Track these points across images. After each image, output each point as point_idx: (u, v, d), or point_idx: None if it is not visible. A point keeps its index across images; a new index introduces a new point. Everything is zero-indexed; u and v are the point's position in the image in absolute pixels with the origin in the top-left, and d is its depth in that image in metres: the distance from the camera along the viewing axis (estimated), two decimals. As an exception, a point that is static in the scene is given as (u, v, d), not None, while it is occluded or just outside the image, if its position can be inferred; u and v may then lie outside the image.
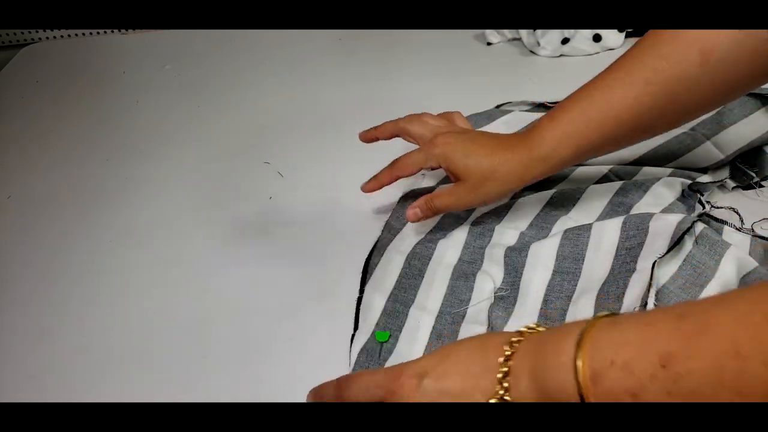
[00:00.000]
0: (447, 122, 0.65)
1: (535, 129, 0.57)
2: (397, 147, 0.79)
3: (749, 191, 0.64)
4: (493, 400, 0.37)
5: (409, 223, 0.64)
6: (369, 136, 0.67)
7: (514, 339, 0.38)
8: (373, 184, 0.64)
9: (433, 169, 0.61)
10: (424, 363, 0.41)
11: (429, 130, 0.63)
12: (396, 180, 0.63)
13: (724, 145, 0.64)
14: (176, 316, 0.60)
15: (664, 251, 0.50)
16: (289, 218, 0.70)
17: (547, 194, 0.64)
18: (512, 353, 0.38)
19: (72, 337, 0.59)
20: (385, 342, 0.54)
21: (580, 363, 0.33)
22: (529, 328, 0.39)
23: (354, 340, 0.54)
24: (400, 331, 0.55)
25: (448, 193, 0.59)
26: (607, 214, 0.61)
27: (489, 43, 1.01)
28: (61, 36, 1.23)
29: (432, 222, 0.64)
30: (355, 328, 0.55)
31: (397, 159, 0.62)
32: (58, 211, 0.76)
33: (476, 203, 0.59)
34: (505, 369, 0.37)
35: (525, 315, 0.54)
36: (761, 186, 0.64)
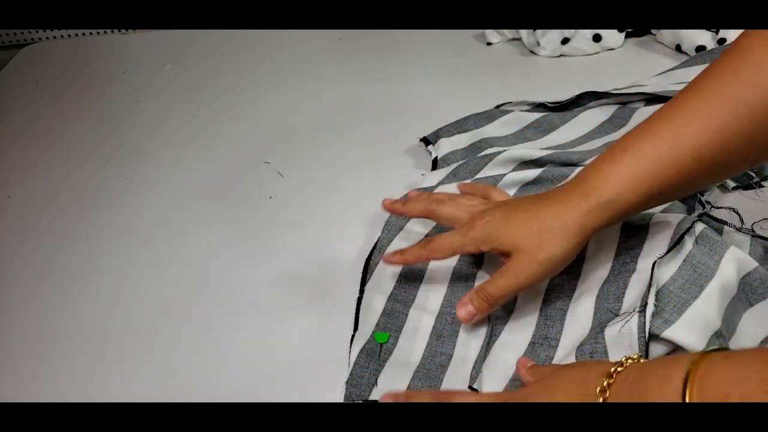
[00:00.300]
0: (483, 200, 0.58)
1: (590, 173, 0.49)
2: (398, 148, 0.79)
3: (749, 191, 0.64)
4: None
5: (409, 222, 0.64)
6: (394, 209, 0.60)
7: (613, 369, 0.38)
8: (398, 259, 0.56)
9: (472, 254, 0.55)
10: (527, 392, 0.41)
11: (464, 210, 0.55)
12: (423, 261, 0.57)
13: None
14: (176, 316, 0.60)
15: (665, 251, 0.50)
16: (289, 218, 0.70)
17: (547, 194, 0.64)
18: (611, 383, 0.37)
19: (72, 337, 0.59)
20: (385, 342, 0.54)
21: (689, 392, 0.32)
22: (630, 359, 0.39)
23: (354, 341, 0.54)
24: (400, 332, 0.55)
25: (502, 275, 0.50)
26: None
27: (489, 43, 1.01)
28: (61, 36, 1.23)
29: (432, 222, 0.64)
30: (355, 328, 0.55)
31: (431, 239, 0.54)
32: (58, 211, 0.76)
33: (539, 275, 0.50)
34: (601, 399, 0.37)
35: (525, 315, 0.54)
36: (761, 186, 0.64)
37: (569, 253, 0.49)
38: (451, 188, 0.66)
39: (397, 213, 0.60)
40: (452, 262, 0.60)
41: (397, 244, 0.62)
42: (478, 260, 0.60)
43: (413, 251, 0.55)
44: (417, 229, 0.64)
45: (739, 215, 0.60)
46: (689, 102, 0.46)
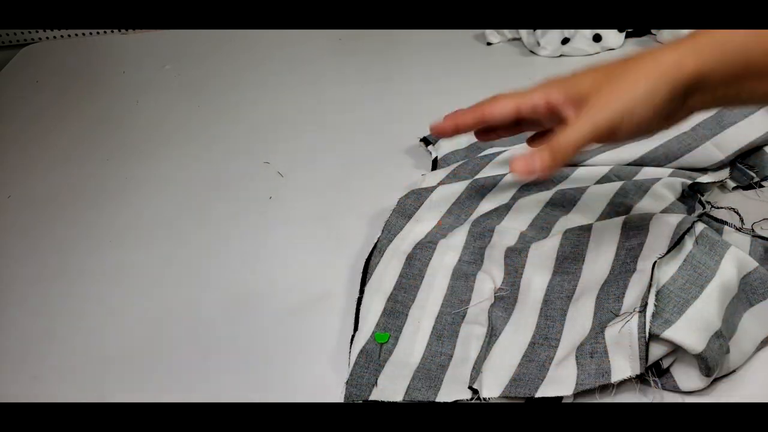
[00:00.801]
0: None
1: (681, 39, 0.42)
2: (398, 148, 0.79)
3: (749, 191, 0.64)
4: None
5: (409, 222, 0.64)
6: (444, 129, 0.50)
7: None
8: (448, 123, 0.49)
9: (549, 107, 0.45)
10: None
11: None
12: (480, 124, 0.49)
13: (724, 145, 0.64)
14: (176, 316, 0.60)
15: (665, 251, 0.50)
16: (289, 218, 0.70)
17: (547, 195, 0.64)
18: None
19: (72, 337, 0.59)
20: (385, 342, 0.54)
21: None
22: None
23: (354, 341, 0.54)
24: (400, 332, 0.55)
25: (575, 123, 0.42)
26: (607, 215, 0.61)
27: (489, 43, 1.01)
28: (61, 36, 1.23)
29: (432, 222, 0.64)
30: (355, 328, 0.55)
31: (484, 100, 0.48)
32: (58, 211, 0.76)
33: (619, 119, 0.41)
34: None
35: (525, 315, 0.54)
36: (761, 186, 0.64)
37: (654, 93, 0.40)
38: (452, 188, 0.66)
39: (448, 132, 0.50)
40: (452, 261, 0.60)
41: (397, 244, 0.62)
42: (478, 260, 0.60)
43: (464, 112, 0.48)
44: (418, 229, 0.64)
45: (739, 215, 0.60)
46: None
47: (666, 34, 0.94)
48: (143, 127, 0.92)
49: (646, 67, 0.41)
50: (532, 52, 0.97)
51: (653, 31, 0.97)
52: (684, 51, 0.41)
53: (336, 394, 0.51)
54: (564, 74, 0.45)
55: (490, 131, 0.52)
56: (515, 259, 0.58)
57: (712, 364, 0.45)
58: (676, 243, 0.51)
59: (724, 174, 0.65)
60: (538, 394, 0.47)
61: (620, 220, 0.56)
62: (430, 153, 0.76)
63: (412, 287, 0.58)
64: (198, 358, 0.56)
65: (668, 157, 0.66)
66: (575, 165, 0.68)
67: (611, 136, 0.42)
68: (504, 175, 0.67)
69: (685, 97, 0.42)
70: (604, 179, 0.66)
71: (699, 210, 0.60)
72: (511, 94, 0.46)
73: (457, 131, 0.49)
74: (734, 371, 0.48)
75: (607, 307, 0.50)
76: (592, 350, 0.47)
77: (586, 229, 0.57)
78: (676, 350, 0.47)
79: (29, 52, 1.17)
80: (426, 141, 0.77)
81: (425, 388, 0.50)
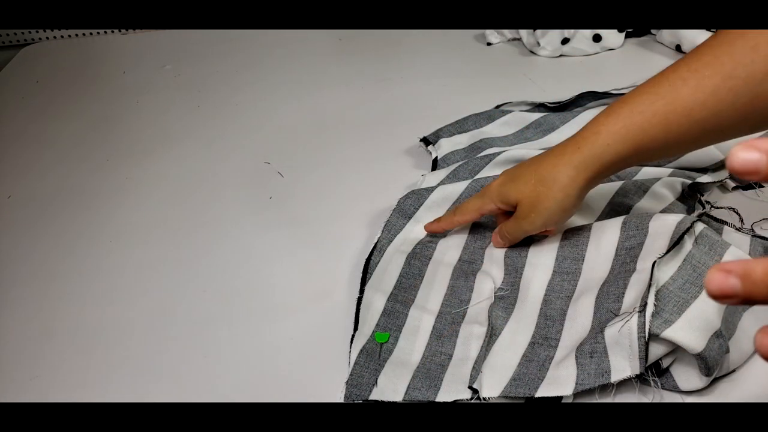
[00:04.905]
0: None
1: (587, 126, 0.52)
2: (398, 148, 0.79)
3: (749, 191, 0.64)
4: None
5: (409, 223, 0.64)
6: (434, 230, 0.62)
7: None
8: (435, 227, 0.62)
9: (492, 213, 0.59)
10: None
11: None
12: (456, 226, 0.62)
13: (724, 145, 0.64)
14: (176, 316, 0.60)
15: (664, 251, 0.50)
16: (289, 218, 0.70)
17: (547, 194, 0.64)
18: None
19: (72, 337, 0.59)
20: (385, 342, 0.54)
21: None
22: None
23: (354, 341, 0.54)
24: (400, 331, 0.55)
25: (511, 221, 0.56)
26: (607, 215, 0.61)
27: (489, 43, 1.01)
28: (61, 36, 1.23)
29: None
30: (355, 328, 0.55)
31: (458, 206, 0.61)
32: (58, 211, 0.76)
33: (538, 224, 0.54)
34: None
35: (525, 315, 0.54)
36: (761, 186, 0.64)
37: (563, 204, 0.52)
38: (452, 188, 0.66)
39: (438, 231, 0.62)
40: (452, 261, 0.60)
41: (398, 244, 0.62)
42: (478, 260, 0.60)
43: (446, 218, 0.61)
44: (418, 229, 0.64)
45: (739, 215, 0.60)
46: (687, 64, 0.48)
47: (666, 34, 0.94)
48: (143, 127, 0.92)
49: (552, 188, 0.52)
50: (532, 52, 0.97)
51: (653, 31, 0.97)
52: (575, 169, 0.51)
53: (336, 394, 0.51)
54: (501, 181, 0.57)
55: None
56: (515, 259, 0.58)
57: (711, 363, 0.45)
58: (676, 243, 0.51)
59: (724, 174, 0.65)
60: (538, 394, 0.47)
61: (620, 220, 0.56)
62: (430, 153, 0.76)
63: (412, 287, 0.58)
64: (198, 357, 0.56)
65: (668, 157, 0.66)
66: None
67: (537, 232, 0.56)
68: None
69: (586, 192, 0.53)
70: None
71: (699, 210, 0.60)
72: (472, 205, 0.59)
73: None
74: (734, 371, 0.48)
75: (607, 307, 0.50)
76: (592, 350, 0.47)
77: (586, 229, 0.57)
78: (676, 350, 0.47)
79: (29, 52, 1.17)
80: (426, 141, 0.77)
81: (425, 387, 0.50)
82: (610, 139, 0.49)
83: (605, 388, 0.47)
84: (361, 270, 0.60)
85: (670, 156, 0.54)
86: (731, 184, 0.65)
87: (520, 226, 0.55)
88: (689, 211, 0.61)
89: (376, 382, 0.51)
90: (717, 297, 0.25)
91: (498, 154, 0.70)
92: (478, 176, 0.68)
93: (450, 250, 0.61)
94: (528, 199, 0.54)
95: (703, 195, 0.63)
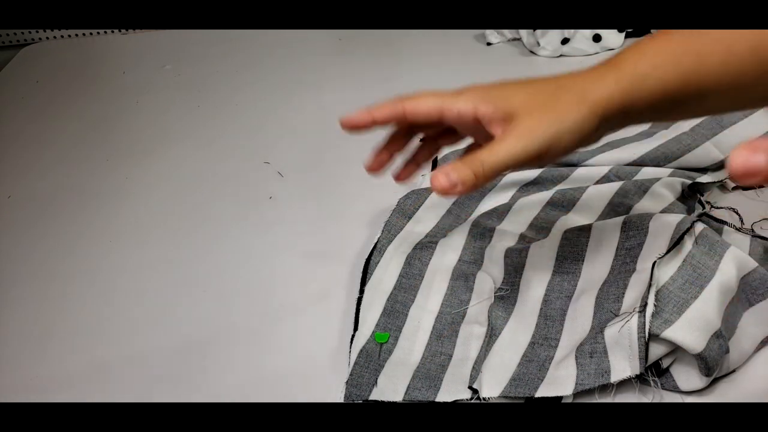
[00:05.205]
0: None
1: (630, 47, 0.42)
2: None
3: (749, 191, 0.64)
4: None
5: (409, 222, 0.64)
6: (356, 122, 0.47)
7: None
8: (363, 116, 0.46)
9: (455, 117, 0.43)
10: None
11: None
12: (398, 119, 0.46)
13: (724, 145, 0.65)
14: (176, 316, 0.60)
15: (664, 251, 0.50)
16: (289, 218, 0.70)
17: (547, 195, 0.64)
18: None
19: (72, 337, 0.59)
20: (385, 342, 0.54)
21: None
22: None
23: (354, 341, 0.54)
24: (400, 332, 0.55)
25: (500, 140, 0.40)
26: (607, 215, 0.61)
27: (489, 43, 1.01)
28: (61, 36, 1.23)
29: (432, 222, 0.64)
30: (355, 328, 0.55)
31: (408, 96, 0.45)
32: (58, 211, 0.76)
33: (545, 142, 0.40)
34: None
35: (525, 315, 0.54)
36: (761, 186, 0.64)
37: (583, 124, 0.40)
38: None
39: (362, 125, 0.47)
40: (452, 261, 0.60)
41: (397, 244, 0.62)
42: (479, 260, 0.60)
43: (383, 106, 0.46)
44: (418, 229, 0.64)
45: (739, 215, 0.60)
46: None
47: (666, 34, 0.94)
48: (143, 127, 0.92)
49: (576, 97, 0.41)
50: (532, 52, 0.97)
51: (653, 31, 0.97)
52: (610, 84, 0.41)
53: (336, 394, 0.51)
54: (490, 84, 0.43)
55: (406, 134, 0.49)
56: (515, 259, 0.58)
57: (711, 363, 0.45)
58: (676, 243, 0.51)
59: (724, 174, 0.65)
60: (538, 394, 0.47)
61: (620, 220, 0.56)
62: (430, 153, 0.76)
63: (412, 287, 0.58)
64: (198, 357, 0.56)
65: (668, 157, 0.66)
66: (575, 165, 0.68)
67: (536, 160, 0.41)
68: (503, 175, 0.67)
69: (610, 127, 0.42)
70: (604, 179, 0.66)
71: (699, 210, 0.60)
72: (436, 92, 0.44)
73: (372, 124, 0.46)
74: (734, 371, 0.48)
75: (607, 307, 0.50)
76: (592, 350, 0.47)
77: (586, 229, 0.57)
78: (676, 350, 0.47)
79: (29, 52, 1.17)
80: (426, 141, 0.77)
81: (425, 387, 0.50)
82: (659, 59, 0.40)
83: (605, 388, 0.47)
84: (361, 270, 0.60)
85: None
86: (731, 184, 0.65)
87: (509, 149, 0.40)
88: (689, 211, 0.61)
89: (376, 382, 0.51)
90: (740, 175, 0.22)
91: (498, 154, 0.70)
92: (478, 176, 0.68)
93: (450, 250, 0.61)
94: (537, 104, 0.40)
95: (703, 195, 0.63)
